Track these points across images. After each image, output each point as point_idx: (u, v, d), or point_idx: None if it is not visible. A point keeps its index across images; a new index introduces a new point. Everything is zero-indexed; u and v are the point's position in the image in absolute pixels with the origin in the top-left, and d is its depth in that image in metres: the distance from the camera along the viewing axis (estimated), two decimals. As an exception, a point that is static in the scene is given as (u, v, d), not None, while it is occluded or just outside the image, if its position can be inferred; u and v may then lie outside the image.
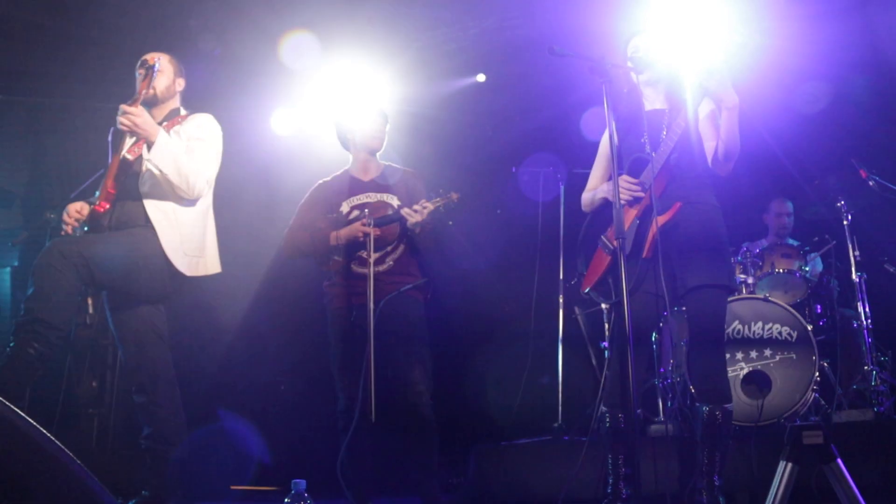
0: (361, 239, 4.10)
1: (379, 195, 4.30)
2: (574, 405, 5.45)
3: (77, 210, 3.66)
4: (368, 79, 5.65)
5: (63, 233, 3.63)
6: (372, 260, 4.04)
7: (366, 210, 4.19)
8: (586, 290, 3.56)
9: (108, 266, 3.46)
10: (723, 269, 3.39)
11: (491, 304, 6.40)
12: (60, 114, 5.92)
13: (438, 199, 4.08)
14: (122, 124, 3.50)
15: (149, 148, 3.52)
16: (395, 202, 4.28)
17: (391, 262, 4.20)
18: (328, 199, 4.35)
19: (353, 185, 4.36)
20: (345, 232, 4.19)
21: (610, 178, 3.57)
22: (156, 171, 3.54)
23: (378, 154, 4.42)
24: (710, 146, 3.44)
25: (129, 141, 3.70)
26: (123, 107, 3.51)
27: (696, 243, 3.36)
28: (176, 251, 3.59)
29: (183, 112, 3.90)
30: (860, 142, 5.96)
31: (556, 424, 5.15)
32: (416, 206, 4.05)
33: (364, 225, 4.10)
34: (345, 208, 4.29)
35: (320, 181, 4.45)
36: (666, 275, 3.25)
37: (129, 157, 3.65)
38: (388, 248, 4.21)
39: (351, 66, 5.66)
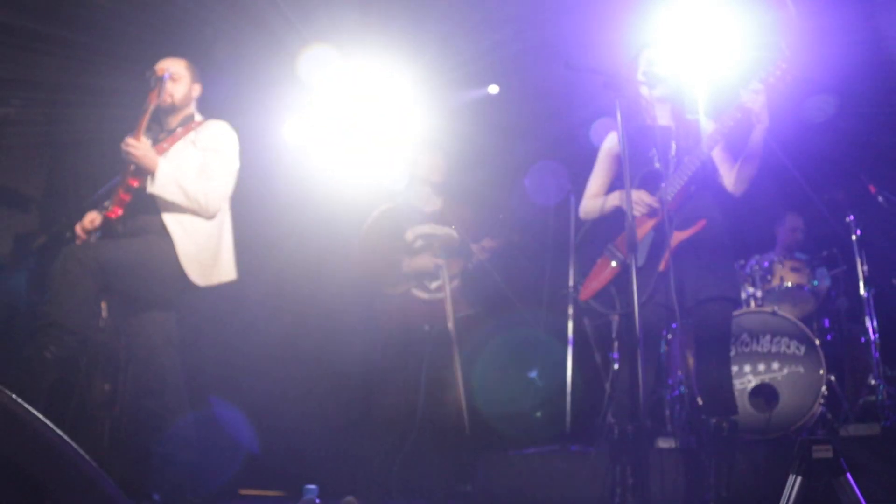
0: (432, 269, 4.37)
1: (444, 228, 4.54)
2: (582, 415, 5.45)
3: (90, 221, 3.70)
4: (382, 89, 5.68)
5: (77, 242, 3.67)
6: (447, 286, 4.40)
7: (432, 242, 4.48)
8: (585, 300, 3.54)
9: (121, 272, 3.50)
10: (732, 283, 3.45)
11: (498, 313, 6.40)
12: (76, 122, 5.96)
13: (502, 238, 4.38)
14: (127, 154, 3.53)
15: (151, 178, 3.53)
16: (456, 235, 4.52)
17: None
18: (393, 226, 4.57)
19: (418, 215, 4.59)
20: (418, 261, 4.45)
21: (611, 189, 3.60)
22: (163, 198, 3.58)
23: (439, 187, 4.63)
24: (723, 169, 3.49)
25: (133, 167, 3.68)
26: (128, 140, 3.53)
27: (710, 258, 3.39)
28: (191, 260, 3.61)
29: (197, 118, 3.91)
30: (869, 154, 5.95)
31: (564, 434, 5.16)
32: (479, 244, 4.37)
33: (433, 256, 4.42)
34: (409, 236, 4.52)
35: (383, 207, 4.65)
36: (676, 287, 3.27)
37: (134, 185, 3.64)
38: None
39: (364, 77, 5.69)
